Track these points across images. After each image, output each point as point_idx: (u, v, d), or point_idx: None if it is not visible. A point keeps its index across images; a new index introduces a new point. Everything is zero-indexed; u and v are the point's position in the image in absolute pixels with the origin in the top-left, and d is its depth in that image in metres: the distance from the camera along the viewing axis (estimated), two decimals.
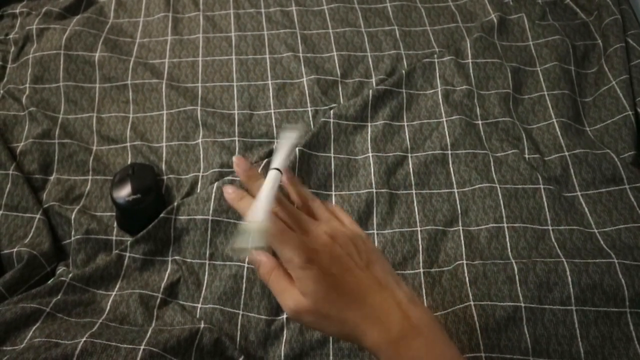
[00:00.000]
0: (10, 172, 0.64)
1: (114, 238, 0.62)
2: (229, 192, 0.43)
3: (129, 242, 0.60)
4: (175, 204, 0.61)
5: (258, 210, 0.36)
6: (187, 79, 0.76)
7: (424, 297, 0.56)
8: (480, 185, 0.63)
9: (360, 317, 0.38)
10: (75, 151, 0.68)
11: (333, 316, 0.38)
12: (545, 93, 0.72)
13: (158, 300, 0.57)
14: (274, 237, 0.38)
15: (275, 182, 0.40)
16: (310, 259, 0.37)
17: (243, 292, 0.57)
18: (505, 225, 0.60)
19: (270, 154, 0.67)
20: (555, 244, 0.58)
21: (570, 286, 0.53)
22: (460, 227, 0.60)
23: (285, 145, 0.44)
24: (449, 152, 0.66)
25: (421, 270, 0.58)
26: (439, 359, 0.38)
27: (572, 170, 0.64)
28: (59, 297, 0.55)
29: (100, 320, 0.53)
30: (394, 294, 0.39)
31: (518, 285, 0.54)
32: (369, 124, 0.69)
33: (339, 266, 0.39)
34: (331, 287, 0.38)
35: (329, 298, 0.38)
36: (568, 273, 0.53)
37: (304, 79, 0.74)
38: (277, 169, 0.41)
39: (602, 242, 0.58)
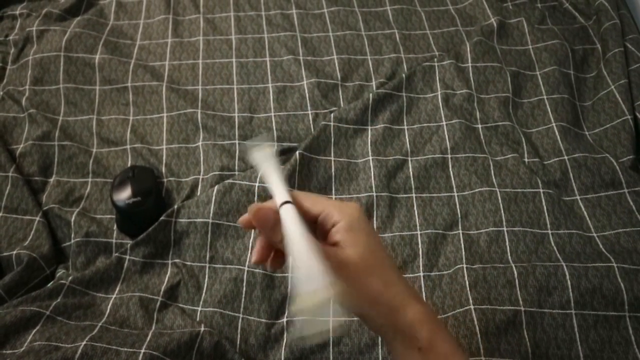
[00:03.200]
0: (10, 174, 0.64)
1: (114, 241, 0.62)
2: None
3: (129, 245, 0.60)
4: (176, 206, 0.61)
5: (312, 273, 0.30)
6: (188, 81, 0.76)
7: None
8: (480, 189, 0.63)
9: (404, 283, 0.36)
10: (75, 153, 0.68)
11: (379, 273, 0.35)
12: (545, 97, 0.72)
13: (158, 304, 0.57)
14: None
15: (296, 218, 0.34)
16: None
17: (243, 296, 0.57)
18: (505, 229, 0.60)
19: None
20: (555, 248, 0.58)
21: (570, 290, 0.53)
22: (460, 231, 0.60)
23: (271, 169, 0.39)
24: (449, 155, 0.66)
25: (421, 273, 0.58)
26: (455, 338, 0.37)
27: (571, 175, 0.65)
28: (58, 300, 0.55)
29: (100, 324, 0.53)
30: None
31: (518, 289, 0.54)
32: (369, 128, 0.69)
33: (376, 232, 0.37)
34: (378, 244, 0.36)
35: (379, 253, 0.35)
36: (567, 277, 0.53)
37: (304, 82, 0.74)
38: (288, 202, 0.35)
39: (601, 246, 0.58)
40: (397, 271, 0.37)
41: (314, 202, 0.37)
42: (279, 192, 0.36)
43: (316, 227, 0.37)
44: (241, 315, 0.56)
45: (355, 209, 0.36)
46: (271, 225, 0.34)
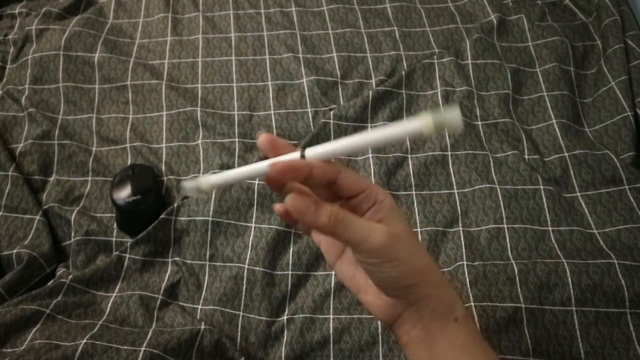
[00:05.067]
0: (10, 173, 0.64)
1: (114, 239, 0.62)
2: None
3: (129, 243, 0.60)
4: (175, 205, 0.61)
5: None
6: (187, 79, 0.76)
7: None
8: (480, 186, 0.63)
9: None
10: (74, 152, 0.68)
11: (424, 249, 0.36)
12: (545, 94, 0.72)
13: (158, 302, 0.57)
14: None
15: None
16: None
17: (243, 294, 0.57)
18: (505, 226, 0.60)
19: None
20: (556, 244, 0.58)
21: (571, 287, 0.53)
22: (461, 228, 0.60)
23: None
24: (449, 153, 0.66)
25: None
26: None
27: (571, 171, 0.64)
28: (59, 298, 0.55)
29: (100, 322, 0.53)
30: None
31: (518, 286, 0.54)
32: (369, 125, 0.69)
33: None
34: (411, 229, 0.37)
35: (415, 235, 0.37)
36: (568, 274, 0.53)
37: (304, 79, 0.74)
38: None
39: (602, 243, 0.58)
40: None
41: (358, 179, 0.36)
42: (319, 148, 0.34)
43: (354, 204, 0.36)
44: (241, 313, 0.56)
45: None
46: (313, 211, 0.32)
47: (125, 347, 0.47)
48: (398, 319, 0.37)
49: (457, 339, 0.35)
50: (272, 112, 0.72)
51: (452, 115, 0.29)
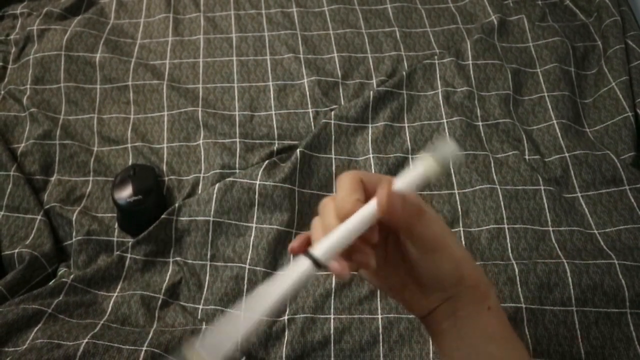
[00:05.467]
0: (11, 173, 0.64)
1: (115, 239, 0.62)
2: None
3: (130, 243, 0.60)
4: (177, 205, 0.62)
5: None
6: (188, 80, 0.76)
7: None
8: (480, 187, 0.63)
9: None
10: (76, 152, 0.68)
11: (457, 241, 0.37)
12: (546, 94, 0.72)
13: (159, 302, 0.57)
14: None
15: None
16: None
17: (244, 294, 0.57)
18: (505, 226, 0.60)
19: (271, 155, 0.67)
20: (556, 244, 0.58)
21: (571, 287, 0.53)
22: (461, 228, 0.60)
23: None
24: None
25: None
26: None
27: (572, 172, 0.65)
28: (60, 298, 0.55)
29: (101, 322, 0.53)
30: None
31: (519, 286, 0.54)
32: (370, 125, 0.69)
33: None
34: None
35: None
36: (569, 274, 0.53)
37: (305, 80, 0.74)
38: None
39: (602, 243, 0.58)
40: None
41: (379, 179, 0.36)
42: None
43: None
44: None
45: None
46: (401, 202, 0.32)
47: (127, 347, 0.47)
48: (433, 312, 0.37)
49: (487, 328, 0.36)
50: (273, 112, 0.72)
51: (449, 148, 0.30)
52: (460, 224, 0.61)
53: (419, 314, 0.39)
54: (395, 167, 0.65)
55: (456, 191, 0.64)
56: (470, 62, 0.74)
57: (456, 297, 0.36)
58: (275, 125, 0.71)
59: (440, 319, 0.37)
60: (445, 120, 0.69)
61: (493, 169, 0.65)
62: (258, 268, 0.58)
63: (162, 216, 0.61)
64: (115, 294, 0.57)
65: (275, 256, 0.59)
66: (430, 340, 0.52)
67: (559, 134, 0.68)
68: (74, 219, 0.62)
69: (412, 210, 0.32)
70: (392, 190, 0.32)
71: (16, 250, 0.59)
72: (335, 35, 0.80)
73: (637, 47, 0.73)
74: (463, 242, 0.59)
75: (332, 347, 0.54)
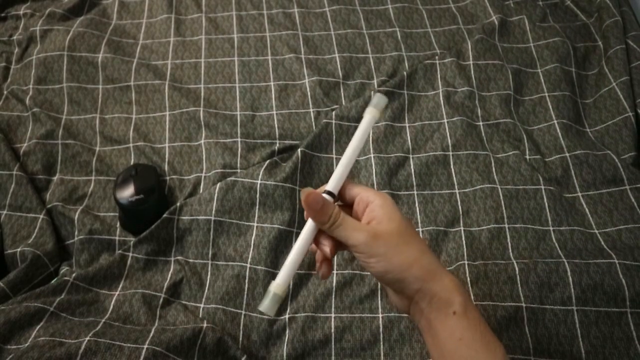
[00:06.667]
0: (14, 172, 0.65)
1: (117, 238, 0.62)
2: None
3: (132, 242, 0.60)
4: (178, 204, 0.62)
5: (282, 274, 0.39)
6: (190, 80, 0.76)
7: None
8: (481, 186, 0.63)
9: (436, 257, 0.39)
10: (78, 152, 0.69)
11: (415, 243, 0.38)
12: (546, 94, 0.72)
13: (161, 300, 0.57)
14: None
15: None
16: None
17: (245, 292, 0.57)
18: (506, 225, 0.60)
19: (272, 155, 0.68)
20: (556, 244, 0.58)
21: (571, 286, 0.53)
22: (462, 228, 0.61)
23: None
24: (450, 153, 0.66)
25: None
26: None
27: (572, 171, 0.65)
28: (62, 296, 0.55)
29: (103, 320, 0.53)
30: None
31: (519, 285, 0.54)
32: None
33: (407, 218, 0.41)
34: (411, 223, 0.40)
35: (413, 228, 0.39)
36: (569, 273, 0.53)
37: (306, 80, 0.75)
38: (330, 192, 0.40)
39: (602, 243, 0.58)
40: (428, 246, 0.40)
41: (351, 187, 0.41)
42: (332, 180, 0.41)
43: (355, 209, 0.41)
44: (243, 312, 0.56)
45: (387, 195, 0.40)
46: (319, 207, 0.38)
47: (128, 345, 0.47)
48: (409, 311, 0.40)
49: (455, 332, 0.37)
50: (275, 112, 0.72)
51: (381, 99, 0.43)
52: (461, 224, 0.61)
53: (402, 311, 0.41)
54: (396, 167, 0.66)
55: (457, 191, 0.64)
56: (471, 62, 0.74)
57: (416, 300, 0.38)
58: (276, 125, 0.71)
59: (417, 319, 0.40)
60: (445, 120, 0.69)
61: (494, 168, 0.65)
62: (259, 267, 0.58)
63: (164, 215, 0.61)
64: (117, 293, 0.57)
65: (276, 255, 0.59)
66: None
67: (560, 134, 0.68)
68: (76, 218, 0.62)
69: (323, 216, 0.38)
70: (309, 196, 0.38)
71: (19, 249, 0.59)
72: (337, 36, 0.80)
73: (638, 47, 0.73)
74: (464, 242, 0.59)
75: (333, 346, 0.54)
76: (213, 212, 0.61)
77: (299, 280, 0.58)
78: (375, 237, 0.37)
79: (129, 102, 0.74)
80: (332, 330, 0.55)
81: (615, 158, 0.64)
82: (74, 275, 0.57)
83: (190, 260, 0.60)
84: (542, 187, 0.62)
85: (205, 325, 0.52)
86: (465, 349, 0.37)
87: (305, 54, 0.78)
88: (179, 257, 0.60)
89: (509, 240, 0.59)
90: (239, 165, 0.67)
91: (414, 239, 0.38)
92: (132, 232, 0.63)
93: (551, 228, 0.60)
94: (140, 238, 0.60)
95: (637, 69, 0.71)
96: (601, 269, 0.54)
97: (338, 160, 0.66)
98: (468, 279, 0.55)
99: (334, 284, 0.57)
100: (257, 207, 0.62)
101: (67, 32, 0.79)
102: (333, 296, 0.57)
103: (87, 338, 0.47)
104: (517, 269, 0.55)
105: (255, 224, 0.61)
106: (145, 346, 0.47)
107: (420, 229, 0.61)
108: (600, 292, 0.53)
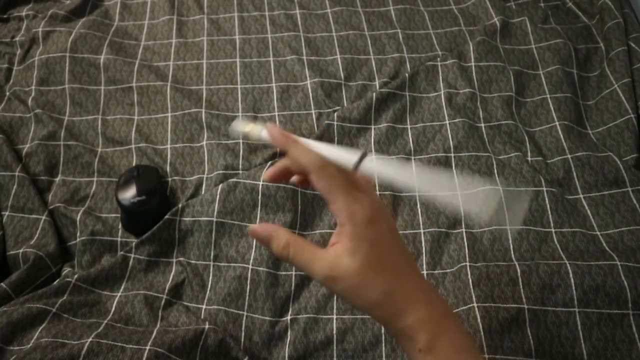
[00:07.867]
0: (16, 173, 0.65)
1: (119, 239, 0.62)
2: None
3: (133, 243, 0.60)
4: (180, 205, 0.62)
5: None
6: (192, 81, 0.77)
7: None
8: (483, 188, 0.63)
9: (409, 289, 0.35)
10: (80, 153, 0.69)
11: (378, 285, 0.34)
12: (548, 96, 0.72)
13: (163, 301, 0.57)
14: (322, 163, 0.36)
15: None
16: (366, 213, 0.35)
17: (247, 294, 0.57)
18: (508, 227, 0.60)
19: (274, 156, 0.68)
20: (558, 246, 0.58)
21: (573, 288, 0.53)
22: (464, 229, 0.61)
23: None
24: (452, 154, 0.66)
25: (424, 272, 0.58)
26: (468, 338, 0.38)
27: (574, 173, 0.65)
28: (64, 297, 0.55)
29: (105, 321, 0.53)
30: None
31: (521, 287, 0.54)
32: (373, 127, 0.69)
33: (390, 231, 0.36)
34: (384, 251, 0.35)
35: (381, 263, 0.34)
36: (571, 275, 0.53)
37: (308, 81, 0.75)
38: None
39: (604, 245, 0.58)
40: (409, 270, 0.37)
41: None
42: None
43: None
44: (245, 313, 0.56)
45: (364, 212, 0.35)
46: (266, 242, 0.38)
47: (131, 346, 0.47)
48: None
49: None
50: (276, 113, 0.72)
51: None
52: (463, 225, 0.61)
53: None
54: None
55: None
56: (473, 63, 0.74)
57: (386, 331, 0.38)
58: (278, 127, 0.71)
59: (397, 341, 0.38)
60: (447, 122, 0.69)
61: (495, 170, 0.65)
62: (261, 268, 0.58)
63: (166, 217, 0.61)
64: (119, 294, 0.58)
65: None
66: None
67: (562, 136, 0.68)
68: (78, 219, 0.62)
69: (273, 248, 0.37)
70: (252, 233, 0.38)
71: (21, 250, 0.59)
72: (338, 37, 0.80)
73: None
74: (465, 244, 0.59)
75: (335, 348, 0.54)
76: (215, 213, 0.61)
77: (301, 282, 0.58)
78: (332, 279, 0.34)
79: (131, 103, 0.74)
80: (334, 331, 0.55)
81: (617, 160, 0.64)
82: (76, 276, 0.57)
83: (192, 262, 0.60)
84: (544, 188, 0.62)
85: (207, 326, 0.52)
86: None
87: (307, 56, 0.78)
88: (181, 259, 0.60)
89: (510, 241, 0.59)
90: (240, 166, 0.67)
91: (382, 275, 0.34)
92: (134, 234, 0.63)
93: (553, 230, 0.60)
94: (142, 239, 0.60)
95: (639, 70, 0.71)
96: (603, 270, 0.54)
97: None
98: (470, 280, 0.55)
99: None
100: (259, 208, 0.62)
101: (69, 33, 0.80)
102: (335, 298, 0.57)
103: (90, 339, 0.47)
104: (519, 270, 0.55)
105: None
106: (148, 347, 0.47)
107: (421, 231, 0.61)
108: (602, 294, 0.53)
